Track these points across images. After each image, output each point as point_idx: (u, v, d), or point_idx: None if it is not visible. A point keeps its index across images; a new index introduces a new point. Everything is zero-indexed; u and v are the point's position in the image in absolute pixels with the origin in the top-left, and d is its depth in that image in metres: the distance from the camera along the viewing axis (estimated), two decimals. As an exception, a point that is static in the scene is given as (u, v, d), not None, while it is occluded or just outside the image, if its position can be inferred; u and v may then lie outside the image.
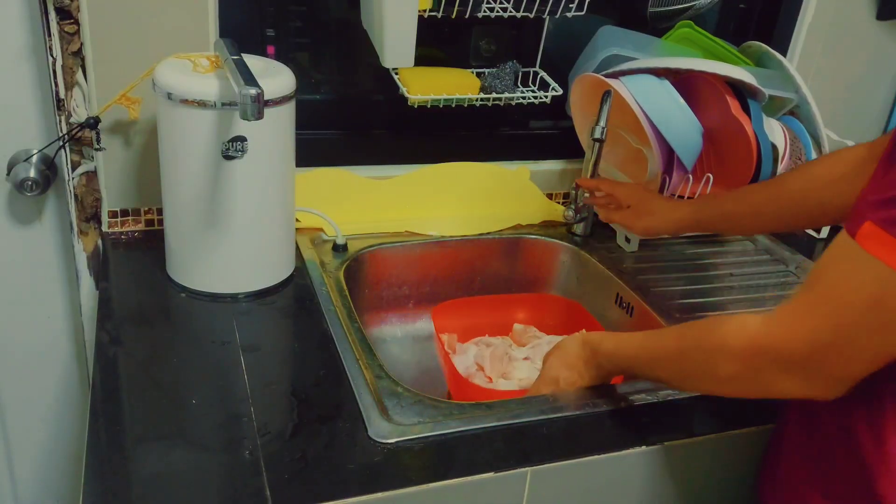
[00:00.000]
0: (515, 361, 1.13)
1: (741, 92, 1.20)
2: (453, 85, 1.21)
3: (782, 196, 0.98)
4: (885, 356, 0.62)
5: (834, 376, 0.65)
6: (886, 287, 0.58)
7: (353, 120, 1.31)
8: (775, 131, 1.24)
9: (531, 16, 1.16)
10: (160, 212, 1.13)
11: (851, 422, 0.71)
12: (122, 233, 1.17)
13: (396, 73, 1.20)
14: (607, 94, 1.16)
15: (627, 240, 1.30)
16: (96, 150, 1.10)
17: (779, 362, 0.66)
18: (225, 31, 1.12)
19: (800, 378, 0.66)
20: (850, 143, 1.38)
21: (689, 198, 1.20)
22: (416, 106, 1.19)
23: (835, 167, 0.93)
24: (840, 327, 0.62)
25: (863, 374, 0.64)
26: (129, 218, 1.17)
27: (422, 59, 1.16)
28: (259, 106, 0.83)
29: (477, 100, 1.23)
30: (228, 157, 0.96)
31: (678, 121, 1.15)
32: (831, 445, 0.74)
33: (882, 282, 0.58)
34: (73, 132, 1.09)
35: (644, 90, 1.16)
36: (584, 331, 1.07)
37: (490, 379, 1.09)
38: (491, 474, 0.78)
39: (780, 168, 1.24)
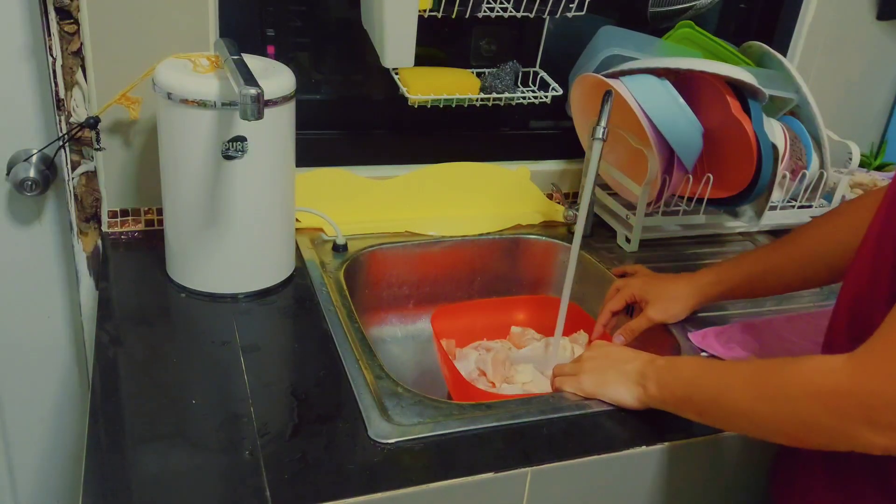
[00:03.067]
0: (517, 365, 1.13)
1: (741, 92, 1.20)
2: (453, 85, 1.20)
3: (802, 254, 0.94)
4: None
5: None
6: None
7: (353, 120, 1.31)
8: (775, 131, 1.24)
9: (531, 16, 1.16)
10: (160, 212, 1.13)
11: None
12: (122, 233, 1.17)
13: (396, 73, 1.20)
14: (608, 94, 1.16)
15: (628, 240, 1.29)
16: (96, 150, 1.10)
17: (867, 410, 0.60)
18: (225, 31, 1.12)
19: (885, 429, 0.59)
20: (851, 143, 1.38)
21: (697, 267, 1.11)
22: (416, 106, 1.18)
23: (851, 218, 0.89)
24: None
25: None
26: (129, 218, 1.17)
27: (422, 59, 1.16)
28: (259, 106, 0.83)
29: (477, 100, 1.23)
30: (228, 157, 0.96)
31: (678, 121, 1.15)
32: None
33: None
34: (73, 132, 1.09)
35: (644, 90, 1.16)
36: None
37: (493, 384, 1.09)
38: (491, 474, 0.78)
39: (780, 168, 1.24)
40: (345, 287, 1.09)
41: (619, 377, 0.86)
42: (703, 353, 1.01)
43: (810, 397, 0.63)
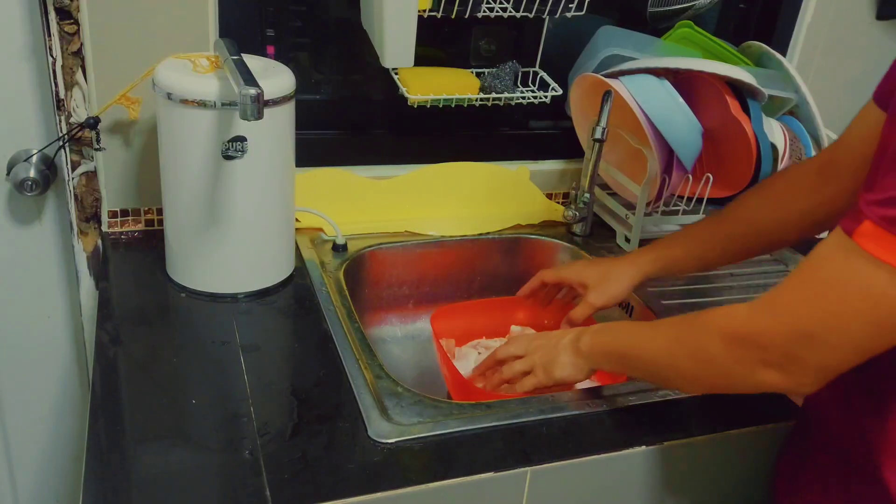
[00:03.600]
0: None
1: (741, 92, 1.20)
2: (453, 85, 1.21)
3: (739, 225, 0.97)
4: (869, 352, 0.63)
5: (815, 370, 0.65)
6: (883, 285, 0.59)
7: (353, 120, 1.31)
8: (775, 131, 1.24)
9: (531, 16, 1.16)
10: (160, 212, 1.13)
11: (865, 429, 0.70)
12: (122, 233, 1.17)
13: (396, 73, 1.20)
14: (608, 94, 1.16)
15: (627, 240, 1.30)
16: (96, 150, 1.10)
17: (762, 352, 0.67)
18: (225, 31, 1.12)
19: (779, 370, 0.67)
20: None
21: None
22: (415, 106, 1.19)
23: (782, 189, 0.93)
24: (830, 320, 0.62)
25: (841, 369, 0.65)
26: (129, 218, 1.17)
27: (422, 59, 1.16)
28: (259, 106, 0.83)
29: (477, 100, 1.23)
30: (228, 157, 0.96)
31: (678, 121, 1.15)
32: (848, 453, 0.74)
33: (879, 280, 0.59)
34: (73, 132, 1.09)
35: (644, 90, 1.16)
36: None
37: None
38: (491, 474, 0.78)
39: (780, 167, 1.24)
40: (345, 287, 1.09)
41: (560, 354, 0.89)
42: None
43: (715, 337, 0.70)
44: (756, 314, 0.68)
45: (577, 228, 1.33)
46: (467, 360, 1.13)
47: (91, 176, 1.14)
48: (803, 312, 0.64)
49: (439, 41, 1.29)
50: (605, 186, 1.38)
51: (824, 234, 0.68)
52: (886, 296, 0.59)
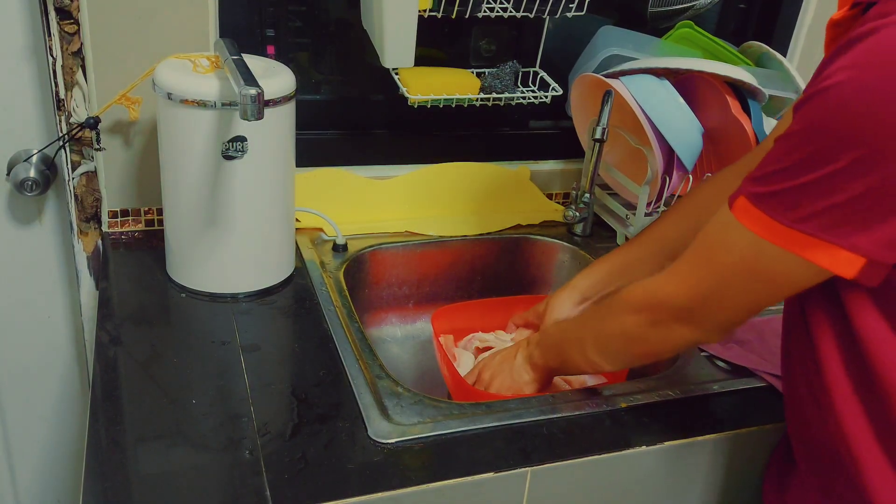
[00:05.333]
0: None
1: (741, 92, 1.20)
2: (453, 85, 1.20)
3: (659, 241, 1.01)
4: (756, 308, 0.72)
5: (717, 324, 0.75)
6: (754, 251, 0.67)
7: (353, 120, 1.31)
8: (775, 131, 1.24)
9: (531, 16, 1.16)
10: (160, 212, 1.13)
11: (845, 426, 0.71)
12: (122, 233, 1.17)
13: (396, 73, 1.20)
14: (608, 94, 1.16)
15: (627, 240, 1.29)
16: (96, 150, 1.10)
17: (672, 313, 0.77)
18: (225, 31, 1.12)
19: (690, 325, 0.76)
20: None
21: None
22: (416, 106, 1.19)
23: (705, 198, 0.97)
24: (718, 282, 0.72)
25: (742, 320, 0.75)
26: (129, 218, 1.17)
27: (422, 59, 1.16)
28: (259, 106, 0.83)
29: (477, 100, 1.23)
30: (228, 157, 0.96)
31: (678, 121, 1.15)
32: (827, 451, 0.75)
33: (750, 246, 0.67)
34: (73, 132, 1.09)
35: (644, 90, 1.16)
36: None
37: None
38: (491, 474, 0.78)
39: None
40: (345, 287, 1.09)
41: (522, 375, 0.95)
42: (703, 353, 1.01)
43: (633, 311, 0.80)
44: (662, 283, 0.78)
45: (577, 228, 1.33)
46: (466, 357, 1.13)
47: (91, 176, 1.14)
48: (697, 276, 0.74)
49: (439, 41, 1.29)
50: (605, 186, 1.38)
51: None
52: (753, 260, 0.67)
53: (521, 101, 1.26)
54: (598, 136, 1.19)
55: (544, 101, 1.27)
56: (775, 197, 0.64)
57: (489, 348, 1.12)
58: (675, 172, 1.20)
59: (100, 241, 1.17)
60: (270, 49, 1.21)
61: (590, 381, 1.06)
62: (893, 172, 0.57)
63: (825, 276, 0.65)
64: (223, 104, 0.93)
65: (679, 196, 1.30)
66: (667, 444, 0.85)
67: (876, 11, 0.59)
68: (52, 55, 1.05)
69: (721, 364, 1.00)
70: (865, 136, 0.57)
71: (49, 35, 1.03)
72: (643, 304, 0.79)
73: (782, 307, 0.79)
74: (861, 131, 0.57)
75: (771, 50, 1.31)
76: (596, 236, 1.33)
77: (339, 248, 1.18)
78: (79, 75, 1.07)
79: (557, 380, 1.03)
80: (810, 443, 0.78)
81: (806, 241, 0.63)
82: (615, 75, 1.21)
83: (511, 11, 1.15)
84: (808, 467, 0.79)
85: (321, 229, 1.23)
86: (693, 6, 1.26)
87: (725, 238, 0.70)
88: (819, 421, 0.74)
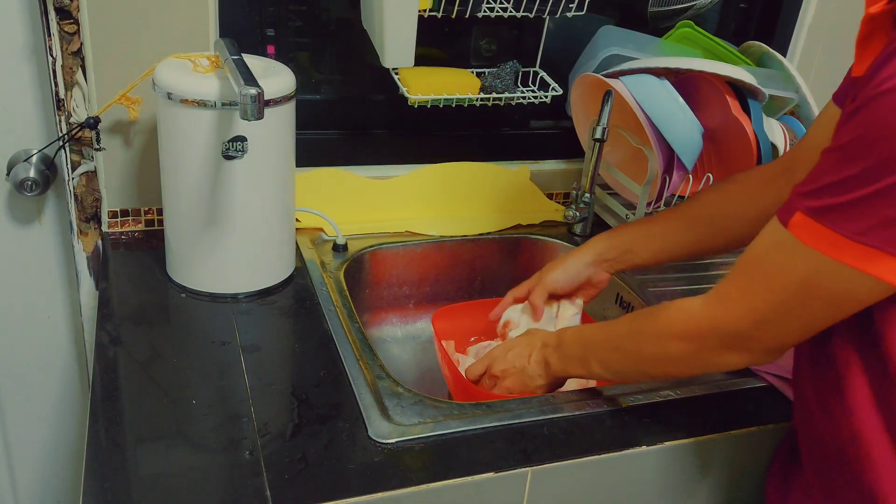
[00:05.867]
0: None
1: (741, 92, 1.20)
2: (453, 85, 1.20)
3: (696, 218, 0.98)
4: (816, 328, 0.69)
5: (770, 347, 0.72)
6: (817, 271, 0.63)
7: (353, 120, 1.31)
8: (775, 131, 1.24)
9: (531, 16, 1.16)
10: (160, 212, 1.13)
11: (858, 426, 0.71)
12: (122, 233, 1.17)
13: (396, 73, 1.20)
14: (608, 94, 1.16)
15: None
16: (96, 150, 1.10)
17: (721, 340, 0.73)
18: (225, 31, 1.12)
19: (740, 351, 0.73)
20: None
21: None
22: (416, 106, 1.18)
23: (745, 187, 0.95)
24: (776, 306, 0.68)
25: (796, 342, 0.72)
26: (129, 218, 1.17)
27: (422, 59, 1.16)
28: (259, 106, 0.83)
29: (477, 100, 1.23)
30: (228, 157, 0.96)
31: (678, 121, 1.15)
32: (838, 451, 0.74)
33: (813, 267, 0.63)
34: (73, 132, 1.09)
35: (644, 90, 1.16)
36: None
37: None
38: (491, 474, 0.78)
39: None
40: (345, 287, 1.09)
41: (534, 380, 0.92)
42: None
43: (678, 339, 0.76)
44: (709, 308, 0.74)
45: (577, 228, 1.33)
46: (469, 363, 1.13)
47: (91, 176, 1.13)
48: (754, 300, 0.69)
49: (439, 41, 1.29)
50: (605, 186, 1.38)
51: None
52: (817, 280, 0.64)
53: (522, 100, 1.26)
54: (598, 135, 1.19)
55: (544, 101, 1.27)
56: (836, 210, 0.60)
57: None
58: (675, 172, 1.20)
59: (100, 241, 1.17)
60: (270, 49, 1.21)
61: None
62: None
63: (890, 292, 0.62)
64: (223, 104, 0.93)
65: (680, 196, 1.30)
66: (667, 444, 0.85)
67: None
68: (52, 55, 1.05)
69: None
70: None
71: (49, 35, 1.03)
72: (689, 332, 0.75)
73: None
74: None
75: (771, 50, 1.31)
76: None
77: (339, 248, 1.18)
78: (79, 75, 1.07)
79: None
80: (818, 445, 0.77)
81: (872, 256, 0.60)
82: (615, 75, 1.21)
83: (511, 11, 1.15)
84: (814, 470, 0.78)
85: (321, 229, 1.23)
86: (693, 6, 1.26)
87: (781, 257, 0.66)
88: (829, 425, 0.73)
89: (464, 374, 1.01)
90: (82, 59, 1.06)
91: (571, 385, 1.06)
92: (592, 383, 1.06)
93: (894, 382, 0.67)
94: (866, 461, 0.70)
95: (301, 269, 1.12)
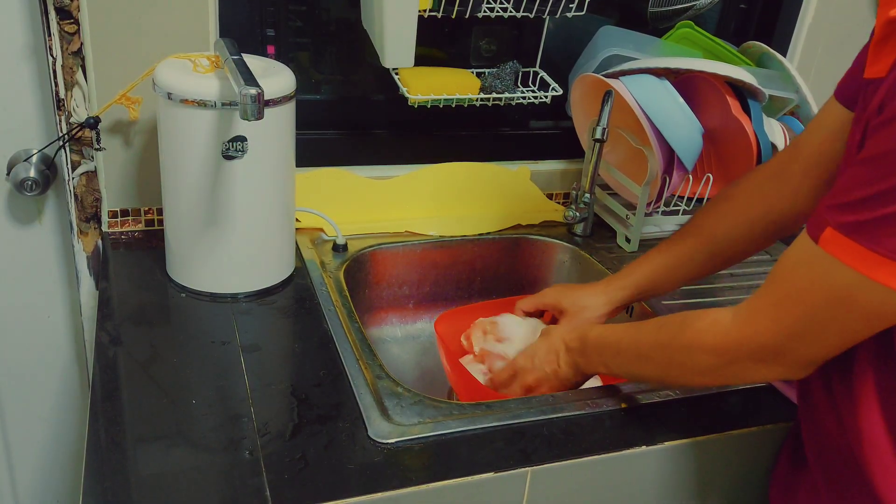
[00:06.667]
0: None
1: (741, 92, 1.20)
2: (453, 85, 1.20)
3: (705, 238, 0.97)
4: (848, 343, 0.68)
5: (803, 362, 0.70)
6: (850, 288, 0.62)
7: (353, 120, 1.31)
8: (775, 131, 1.24)
9: (531, 16, 1.16)
10: (160, 212, 1.13)
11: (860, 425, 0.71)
12: (122, 233, 1.17)
13: (396, 73, 1.20)
14: (608, 94, 1.16)
15: (628, 240, 1.30)
16: (96, 150, 1.10)
17: (752, 354, 0.72)
18: (225, 31, 1.12)
19: (772, 365, 0.72)
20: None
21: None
22: (416, 106, 1.19)
23: (743, 195, 0.94)
24: (809, 321, 0.67)
25: (829, 357, 0.70)
26: (129, 218, 1.17)
27: (422, 59, 1.16)
28: (259, 106, 0.83)
29: (477, 100, 1.23)
30: (228, 157, 0.96)
31: (678, 121, 1.15)
32: (838, 452, 0.74)
33: (846, 283, 0.62)
34: (73, 132, 1.09)
35: (644, 90, 1.16)
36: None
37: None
38: (491, 474, 0.78)
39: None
40: (345, 287, 1.09)
41: (568, 382, 0.92)
42: None
43: (707, 352, 0.75)
44: (740, 322, 0.72)
45: (577, 229, 1.33)
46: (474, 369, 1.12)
47: (91, 176, 1.14)
48: (785, 317, 0.68)
49: (439, 41, 1.29)
50: (605, 186, 1.38)
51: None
52: (852, 297, 0.63)
53: (521, 101, 1.26)
54: (598, 136, 1.19)
55: (544, 101, 1.27)
56: (869, 226, 0.59)
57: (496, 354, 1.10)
58: (675, 172, 1.20)
59: (100, 241, 1.17)
60: (270, 49, 1.21)
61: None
62: None
63: None
64: (223, 104, 0.93)
65: (679, 197, 1.30)
66: (667, 444, 0.85)
67: None
68: (52, 55, 1.05)
69: (721, 364, 1.00)
70: None
71: (49, 35, 1.03)
72: (719, 345, 0.74)
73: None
74: None
75: (771, 50, 1.31)
76: (596, 236, 1.33)
77: (339, 248, 1.18)
78: (79, 75, 1.07)
79: None
80: (826, 447, 0.76)
81: None
82: (615, 75, 1.21)
83: (511, 11, 1.15)
84: (822, 473, 0.78)
85: (321, 229, 1.23)
86: (693, 6, 1.26)
87: (812, 273, 0.65)
88: (837, 429, 0.73)
89: (481, 380, 1.01)
90: (82, 59, 1.06)
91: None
92: (598, 381, 1.06)
93: None
94: (876, 464, 0.70)
95: (301, 269, 1.12)
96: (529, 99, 1.26)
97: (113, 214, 1.16)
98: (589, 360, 0.89)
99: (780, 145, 1.23)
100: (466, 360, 1.11)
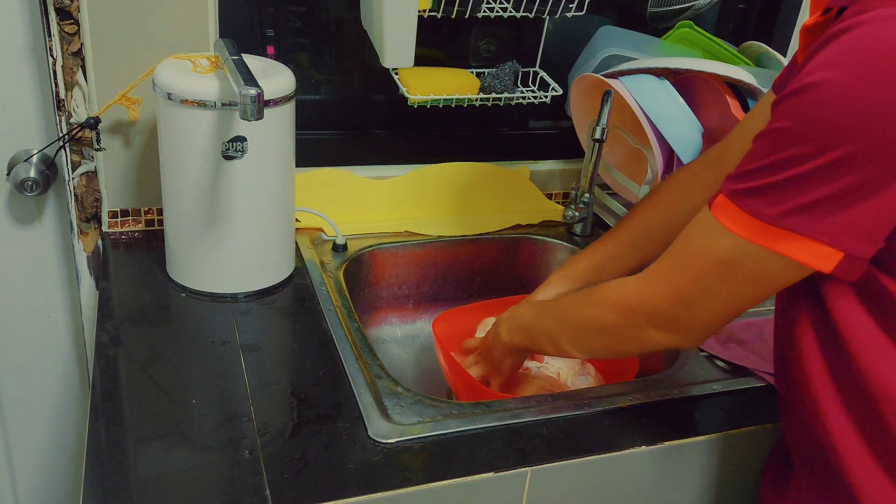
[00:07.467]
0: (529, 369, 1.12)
1: (741, 92, 1.20)
2: (453, 85, 1.20)
3: (635, 235, 1.00)
4: (737, 309, 0.71)
5: (695, 327, 0.74)
6: (733, 251, 0.66)
7: (353, 120, 1.32)
8: (775, 131, 1.24)
9: (531, 16, 1.16)
10: (160, 212, 1.13)
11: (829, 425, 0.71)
12: (122, 233, 1.17)
13: (396, 73, 1.20)
14: (608, 94, 1.16)
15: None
16: (96, 150, 1.10)
17: (647, 316, 0.75)
18: (225, 31, 1.12)
19: (667, 331, 0.75)
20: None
21: None
22: (416, 106, 1.19)
23: (677, 188, 0.97)
24: (696, 284, 0.70)
25: (719, 325, 0.73)
26: (129, 218, 1.17)
27: (422, 59, 1.16)
28: (259, 106, 0.83)
29: (477, 100, 1.23)
30: (228, 157, 0.96)
31: (678, 121, 1.15)
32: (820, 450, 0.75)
33: (729, 246, 0.66)
34: (73, 132, 1.09)
35: (644, 90, 1.16)
36: None
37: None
38: (491, 474, 0.78)
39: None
40: (345, 287, 1.09)
41: (504, 359, 0.96)
42: (703, 353, 1.01)
43: (610, 309, 0.79)
44: (640, 284, 0.77)
45: (577, 228, 1.33)
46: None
47: (91, 176, 1.14)
48: (677, 279, 0.72)
49: (439, 41, 1.29)
50: (605, 186, 1.38)
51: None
52: (735, 261, 0.66)
53: (521, 101, 1.26)
54: (597, 136, 1.19)
55: (544, 101, 1.27)
56: (754, 194, 0.63)
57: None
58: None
59: (100, 241, 1.17)
60: (270, 49, 1.21)
61: (580, 382, 1.06)
62: (872, 169, 0.58)
63: (805, 273, 0.65)
64: (223, 104, 0.93)
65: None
66: (666, 444, 0.85)
67: (853, 10, 0.59)
68: (52, 55, 1.05)
69: (721, 364, 1.00)
70: (846, 135, 0.57)
71: (49, 35, 1.03)
72: (620, 304, 0.78)
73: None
74: (841, 129, 0.58)
75: (770, 50, 1.31)
76: (596, 236, 1.33)
77: (338, 248, 1.18)
78: (79, 75, 1.07)
79: (544, 384, 1.03)
80: (805, 445, 0.77)
81: (785, 237, 0.62)
82: (615, 75, 1.21)
83: (511, 11, 1.15)
84: (804, 469, 0.79)
85: (321, 229, 1.23)
86: (693, 6, 1.26)
87: (702, 238, 0.69)
88: (811, 423, 0.74)
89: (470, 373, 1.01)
90: (82, 60, 1.06)
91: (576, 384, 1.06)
92: (591, 381, 1.06)
93: (860, 381, 0.67)
94: (843, 461, 0.70)
95: (301, 269, 1.12)
96: (529, 99, 1.26)
97: (113, 214, 1.16)
98: (511, 324, 0.93)
99: (780, 145, 1.23)
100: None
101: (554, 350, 0.89)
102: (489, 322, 1.11)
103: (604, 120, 1.18)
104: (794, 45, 1.46)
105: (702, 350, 1.01)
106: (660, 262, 0.75)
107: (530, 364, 1.08)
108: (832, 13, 0.64)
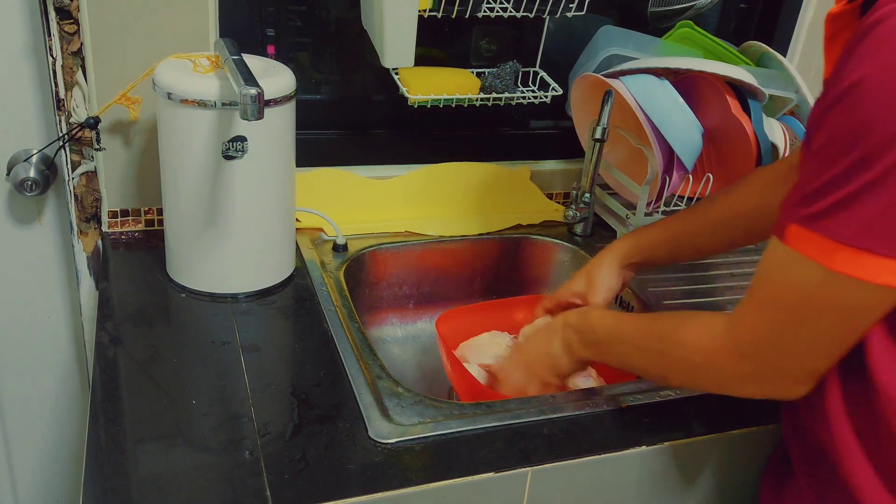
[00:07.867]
0: None
1: (741, 92, 1.20)
2: (453, 85, 1.20)
3: (716, 218, 0.98)
4: (837, 350, 0.65)
5: (790, 374, 0.68)
6: (818, 283, 0.61)
7: (353, 120, 1.31)
8: (775, 131, 1.24)
9: (531, 16, 1.16)
10: (160, 212, 1.13)
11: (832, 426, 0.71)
12: (122, 233, 1.17)
13: (396, 73, 1.20)
14: (608, 94, 1.16)
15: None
16: (96, 150, 1.10)
17: (735, 361, 0.70)
18: (225, 31, 1.12)
19: (758, 377, 0.70)
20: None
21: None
22: (416, 106, 1.18)
23: (761, 185, 0.95)
24: (785, 325, 0.65)
25: (819, 370, 0.67)
26: (129, 218, 1.17)
27: (422, 59, 1.16)
28: (259, 106, 0.83)
29: (477, 100, 1.23)
30: (228, 157, 0.96)
31: (678, 121, 1.15)
32: (820, 452, 0.74)
33: (813, 278, 0.61)
34: (73, 132, 1.09)
35: (644, 90, 1.16)
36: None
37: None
38: (491, 474, 0.78)
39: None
40: (345, 287, 1.09)
41: (561, 360, 0.92)
42: None
43: (695, 350, 0.74)
44: (726, 327, 0.71)
45: (577, 228, 1.33)
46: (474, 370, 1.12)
47: (91, 176, 1.14)
48: (763, 320, 0.67)
49: (439, 41, 1.29)
50: (605, 186, 1.38)
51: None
52: (822, 292, 0.61)
53: (522, 100, 1.26)
54: (598, 135, 1.19)
55: (544, 101, 1.27)
56: (824, 215, 0.59)
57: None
58: (675, 172, 1.20)
59: (100, 241, 1.17)
60: (270, 49, 1.21)
61: (581, 383, 1.06)
62: None
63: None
64: (223, 104, 0.93)
65: (679, 197, 1.30)
66: (667, 444, 0.85)
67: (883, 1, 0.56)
68: (52, 55, 1.05)
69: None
70: None
71: (49, 35, 1.03)
72: (706, 346, 0.73)
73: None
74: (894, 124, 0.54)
75: (771, 50, 1.31)
76: (596, 236, 1.33)
77: (339, 248, 1.18)
78: (79, 75, 1.07)
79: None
80: (805, 447, 0.77)
81: (866, 261, 0.58)
82: (615, 75, 1.21)
83: (511, 11, 1.15)
84: (804, 471, 0.78)
85: (321, 229, 1.23)
86: (693, 6, 1.26)
87: (782, 273, 0.64)
88: (812, 425, 0.74)
89: (476, 376, 1.01)
90: (82, 59, 1.06)
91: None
92: (591, 382, 1.06)
93: (872, 388, 0.66)
94: (845, 465, 0.70)
95: (301, 269, 1.12)
96: (529, 99, 1.26)
97: (113, 214, 1.16)
98: (583, 337, 0.88)
99: (780, 145, 1.23)
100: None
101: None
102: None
103: (604, 120, 1.18)
104: (795, 45, 1.46)
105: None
106: (742, 303, 0.70)
107: None
108: (858, 1, 0.61)
